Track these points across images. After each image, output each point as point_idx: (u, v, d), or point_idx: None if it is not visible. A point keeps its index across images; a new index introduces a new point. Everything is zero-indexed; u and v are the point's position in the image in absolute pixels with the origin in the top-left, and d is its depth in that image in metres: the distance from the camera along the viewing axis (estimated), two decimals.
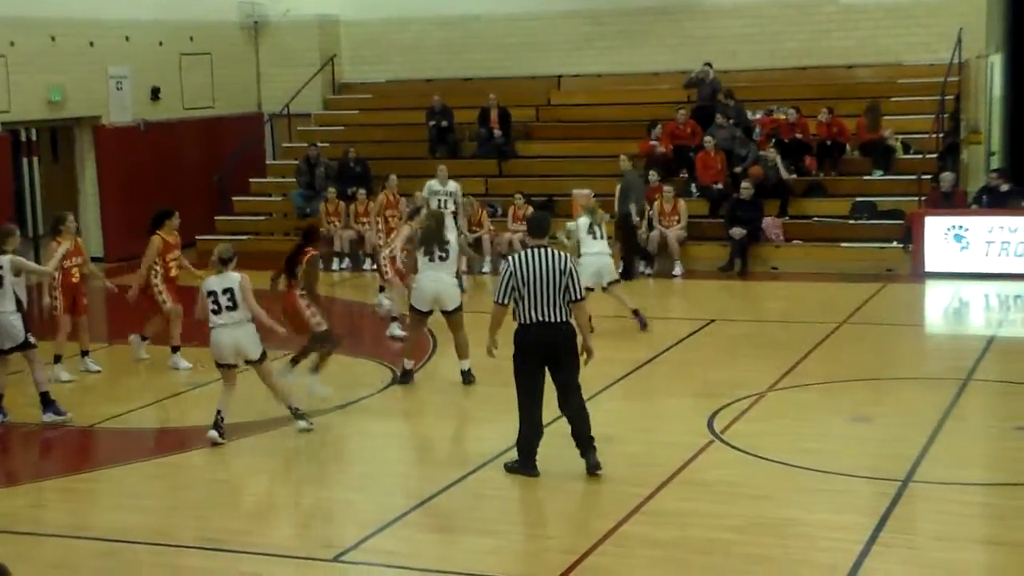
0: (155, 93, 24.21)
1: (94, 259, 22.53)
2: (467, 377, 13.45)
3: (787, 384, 13.24)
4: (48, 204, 22.43)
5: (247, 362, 11.71)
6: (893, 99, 22.46)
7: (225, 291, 11.47)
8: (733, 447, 11.08)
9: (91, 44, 22.86)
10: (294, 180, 24.02)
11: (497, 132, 23.66)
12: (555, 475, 10.31)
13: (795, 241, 20.65)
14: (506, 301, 10.22)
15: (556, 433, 10.55)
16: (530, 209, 21.11)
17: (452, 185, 19.97)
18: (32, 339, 12.55)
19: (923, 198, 20.29)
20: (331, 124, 26.04)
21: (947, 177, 20.09)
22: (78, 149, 23.59)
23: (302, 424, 11.85)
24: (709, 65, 22.92)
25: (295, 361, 13.23)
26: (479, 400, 13.15)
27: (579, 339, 10.26)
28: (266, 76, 26.74)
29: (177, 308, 14.50)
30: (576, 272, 10.23)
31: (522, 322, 10.17)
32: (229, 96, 25.90)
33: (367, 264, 21.22)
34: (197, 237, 22.43)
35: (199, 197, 23.55)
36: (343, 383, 13.52)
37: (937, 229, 19.26)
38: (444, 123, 23.98)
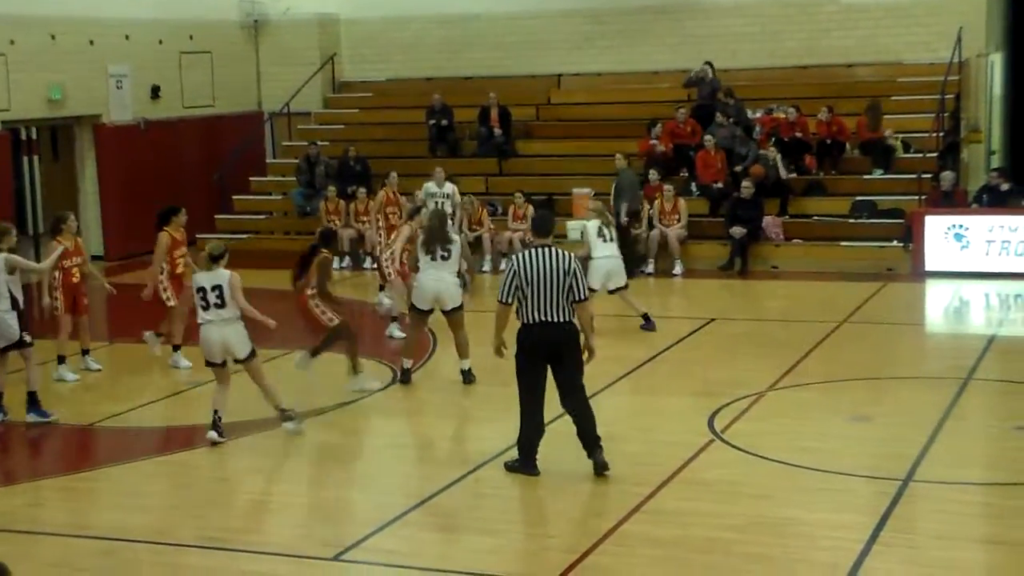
0: (155, 92, 24.21)
1: (94, 258, 22.60)
2: (467, 376, 13.45)
3: (787, 383, 13.24)
4: (48, 203, 22.43)
5: (236, 361, 11.67)
6: (893, 98, 22.46)
7: (214, 288, 11.44)
8: (733, 446, 11.08)
9: (91, 43, 22.86)
10: (294, 179, 24.02)
11: (497, 131, 23.65)
12: (555, 474, 10.31)
13: (795, 240, 20.65)
14: (510, 300, 10.20)
15: (556, 432, 10.55)
16: (530, 208, 21.14)
17: (448, 187, 19.91)
18: (28, 338, 12.54)
19: (923, 197, 20.29)
20: (331, 123, 26.04)
21: (947, 176, 20.09)
22: (78, 148, 23.59)
23: (289, 426, 11.79)
24: (709, 64, 22.92)
25: (315, 353, 13.23)
26: (479, 399, 13.15)
27: (581, 338, 10.26)
28: (266, 75, 26.74)
29: (183, 309, 14.47)
30: (580, 272, 10.21)
31: (525, 321, 10.16)
32: (229, 95, 25.90)
33: (367, 263, 21.22)
34: (197, 236, 22.33)
35: (199, 196, 23.52)
36: (343, 381, 13.51)
37: (937, 228, 19.26)
38: (444, 122, 23.98)
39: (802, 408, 12.44)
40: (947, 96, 21.63)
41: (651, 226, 20.51)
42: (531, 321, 10.13)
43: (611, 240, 15.65)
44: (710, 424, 11.71)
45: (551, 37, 25.33)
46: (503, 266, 20.74)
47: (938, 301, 18.73)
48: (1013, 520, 9.35)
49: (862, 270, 19.59)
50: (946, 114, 21.77)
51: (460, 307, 13.43)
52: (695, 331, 15.97)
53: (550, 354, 10.15)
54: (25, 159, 22.49)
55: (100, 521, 9.98)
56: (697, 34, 24.32)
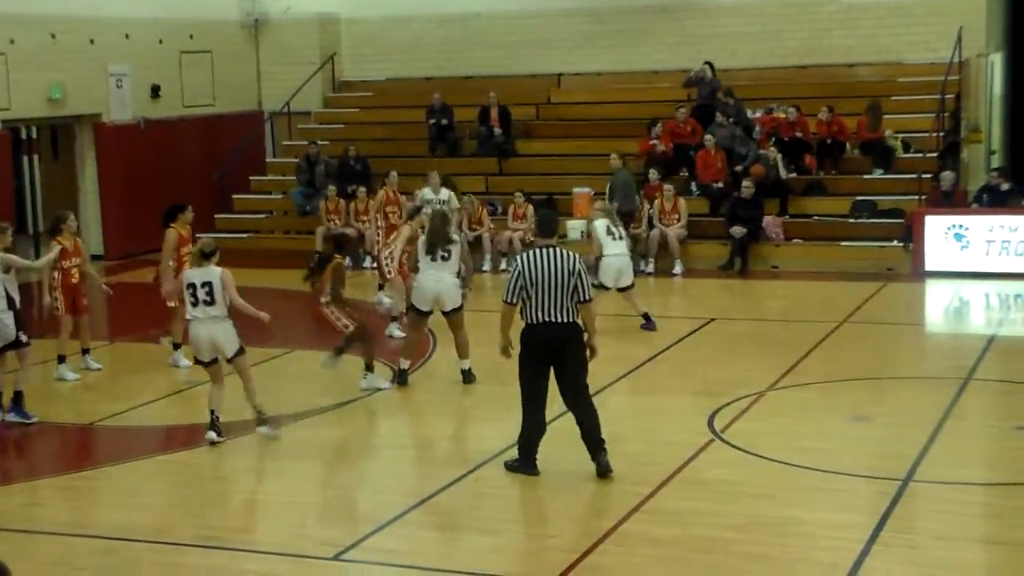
0: (155, 91, 24.20)
1: (94, 257, 22.62)
2: (467, 376, 13.45)
3: (787, 383, 13.23)
4: (48, 202, 22.44)
5: (227, 360, 11.61)
6: (893, 98, 22.45)
7: (204, 284, 11.40)
8: (733, 446, 11.08)
9: (91, 42, 22.85)
10: (294, 178, 24.02)
11: (497, 130, 23.65)
12: (556, 474, 10.30)
13: (795, 240, 20.65)
14: (514, 300, 10.18)
15: (557, 431, 10.55)
16: (530, 208, 21.18)
17: (445, 193, 19.71)
18: (24, 337, 12.52)
19: (923, 197, 20.29)
20: (331, 122, 26.04)
21: (947, 176, 20.09)
22: (78, 147, 23.58)
23: (263, 430, 11.67)
24: (709, 64, 22.91)
25: (338, 353, 13.27)
26: (479, 399, 13.15)
27: (585, 338, 10.25)
28: (266, 74, 26.73)
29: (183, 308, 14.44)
30: (585, 272, 10.20)
31: (529, 322, 10.14)
32: (229, 94, 25.90)
33: (367, 262, 21.22)
34: (197, 235, 22.23)
35: (199, 195, 23.38)
36: (344, 381, 13.52)
37: (937, 228, 19.26)
38: (444, 121, 23.98)
39: (802, 408, 12.44)
40: (947, 96, 21.63)
41: (651, 226, 20.51)
42: (535, 321, 10.11)
43: (620, 238, 15.68)
44: (710, 424, 11.71)
45: (551, 36, 25.32)
46: (503, 265, 20.82)
47: (938, 301, 18.73)
48: (1013, 520, 9.35)
49: (862, 270, 19.59)
50: (946, 114, 21.77)
51: (460, 308, 13.42)
52: (695, 331, 15.97)
53: (553, 354, 10.14)
54: (25, 158, 22.50)
55: (100, 520, 9.98)
56: (697, 34, 24.32)
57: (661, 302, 18.37)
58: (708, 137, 21.51)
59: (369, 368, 13.30)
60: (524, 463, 10.36)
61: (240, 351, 11.57)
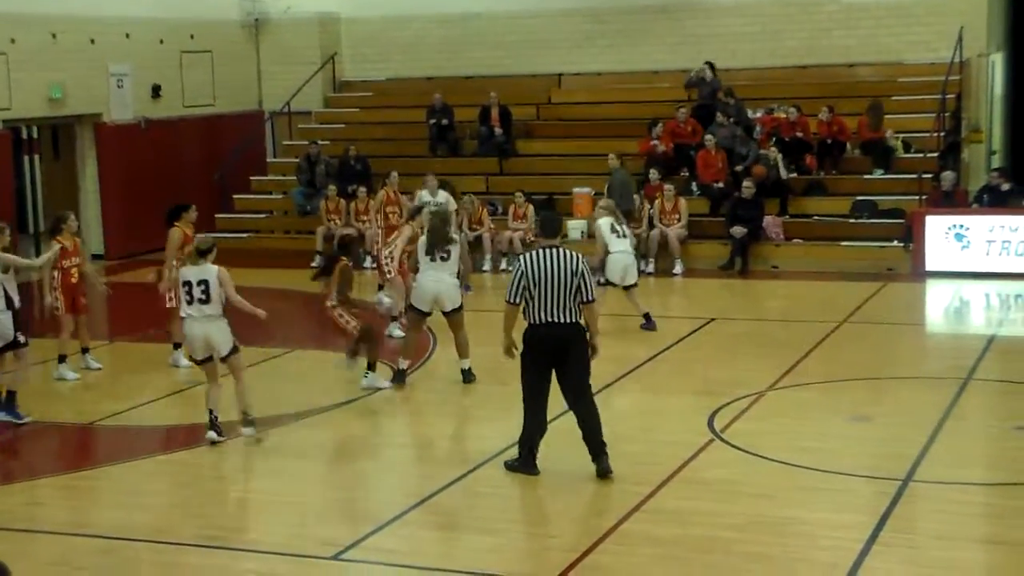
0: (156, 91, 24.20)
1: (95, 257, 22.65)
2: (467, 376, 13.45)
3: (787, 383, 13.23)
4: (49, 202, 22.45)
5: (221, 359, 11.55)
6: (894, 98, 22.45)
7: (200, 282, 11.38)
8: (733, 446, 11.08)
9: (92, 41, 22.85)
10: (295, 178, 24.03)
11: (498, 130, 23.65)
12: (556, 473, 10.30)
13: (795, 240, 20.64)
14: (517, 300, 10.16)
15: (557, 431, 10.54)
16: (531, 208, 21.19)
17: (442, 195, 19.67)
18: (22, 338, 12.51)
19: (924, 197, 20.28)
20: (332, 122, 26.05)
21: (948, 176, 20.09)
22: (79, 147, 23.58)
23: (248, 431, 11.60)
24: (708, 64, 22.89)
25: (352, 355, 13.30)
26: (479, 398, 13.15)
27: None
28: (267, 74, 26.73)
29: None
30: (588, 273, 10.19)
31: (532, 322, 10.14)
32: (230, 94, 25.90)
33: (367, 262, 21.22)
34: (197, 235, 22.34)
35: (200, 195, 23.31)
36: (344, 381, 13.52)
37: (938, 228, 19.25)
38: (445, 121, 23.98)
39: (802, 408, 12.44)
40: (948, 96, 21.62)
41: (651, 225, 20.50)
42: (538, 321, 10.11)
43: (624, 236, 15.69)
44: (710, 424, 11.71)
45: (552, 36, 25.32)
46: (503, 265, 20.83)
47: (938, 301, 18.73)
48: (1013, 520, 9.35)
49: (862, 270, 19.59)
50: (947, 114, 21.77)
51: (460, 308, 13.42)
52: (695, 331, 15.97)
53: (556, 354, 10.13)
54: (26, 158, 22.50)
55: (100, 520, 9.98)
56: (698, 33, 24.32)
57: (661, 302, 18.37)
58: (708, 137, 21.51)
59: (371, 367, 13.31)
60: (524, 463, 10.36)
61: (234, 350, 11.55)
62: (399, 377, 13.46)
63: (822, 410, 12.38)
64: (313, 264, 21.62)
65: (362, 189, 21.76)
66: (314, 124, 25.98)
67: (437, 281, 13.23)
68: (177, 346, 14.66)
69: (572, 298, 10.07)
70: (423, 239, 13.48)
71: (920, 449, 10.78)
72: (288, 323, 17.34)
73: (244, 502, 10.55)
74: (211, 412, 11.55)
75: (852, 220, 20.70)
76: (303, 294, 19.78)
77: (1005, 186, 19.77)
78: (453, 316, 13.40)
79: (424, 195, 19.45)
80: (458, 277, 13.52)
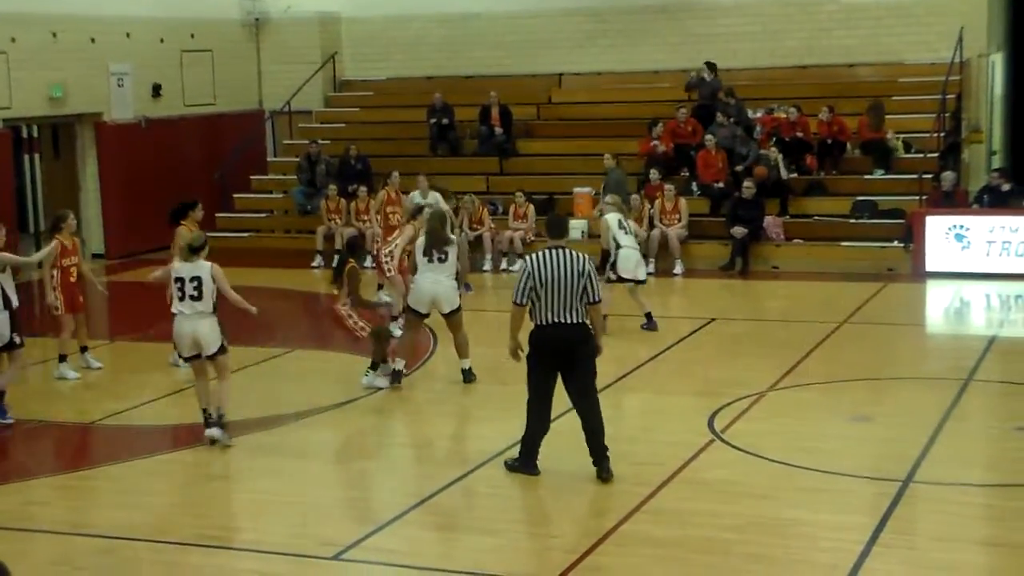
0: (156, 90, 24.19)
1: (95, 256, 22.68)
2: (468, 376, 13.44)
3: (788, 383, 13.23)
4: (49, 201, 22.43)
5: (207, 357, 11.48)
6: (894, 98, 22.44)
7: (193, 279, 11.33)
8: (734, 446, 11.08)
9: (92, 40, 22.85)
10: (295, 177, 24.03)
11: (498, 130, 23.65)
12: (556, 474, 10.30)
13: (796, 240, 20.64)
14: (524, 301, 10.13)
15: (557, 431, 10.53)
16: (531, 208, 21.19)
17: (432, 196, 19.62)
18: (18, 339, 12.50)
19: (924, 197, 20.28)
20: (332, 121, 26.04)
21: (948, 176, 20.08)
22: (79, 146, 23.57)
23: (215, 432, 11.43)
24: (707, 65, 22.86)
25: (375, 367, 13.30)
26: (479, 398, 13.15)
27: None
28: (267, 73, 26.72)
29: None
30: (595, 274, 10.18)
31: (538, 323, 10.12)
32: (230, 93, 25.89)
33: (367, 261, 21.19)
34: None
35: (200, 194, 23.19)
36: (344, 381, 13.52)
37: (938, 229, 19.25)
38: (445, 121, 23.98)
39: (802, 408, 12.43)
40: (948, 96, 21.62)
41: (652, 226, 20.50)
42: (544, 322, 10.09)
43: (630, 233, 15.67)
44: (710, 424, 11.70)
45: (552, 36, 25.32)
46: (504, 265, 20.83)
47: (939, 302, 18.72)
48: (1014, 522, 9.35)
49: (863, 270, 19.58)
50: (947, 114, 21.76)
51: (458, 309, 13.40)
52: (696, 331, 15.96)
53: (563, 355, 10.11)
54: (26, 157, 22.51)
55: (100, 519, 9.98)
56: (698, 33, 24.31)
57: (662, 302, 18.36)
58: (709, 137, 21.51)
59: (373, 367, 13.30)
60: (525, 463, 10.35)
61: (222, 350, 11.51)
62: (396, 378, 13.44)
63: (822, 411, 12.38)
64: (313, 264, 21.71)
65: (362, 189, 21.75)
66: (314, 123, 25.97)
67: (435, 283, 13.20)
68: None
69: (579, 299, 10.06)
70: (420, 240, 13.46)
71: (920, 450, 10.78)
72: (288, 323, 17.35)
73: (244, 502, 10.54)
74: (205, 411, 11.52)
75: (852, 220, 20.69)
76: (303, 294, 19.82)
77: (1005, 186, 19.76)
78: (452, 318, 13.38)
79: (416, 196, 19.40)
80: (456, 279, 13.51)
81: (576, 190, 21.86)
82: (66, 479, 11.09)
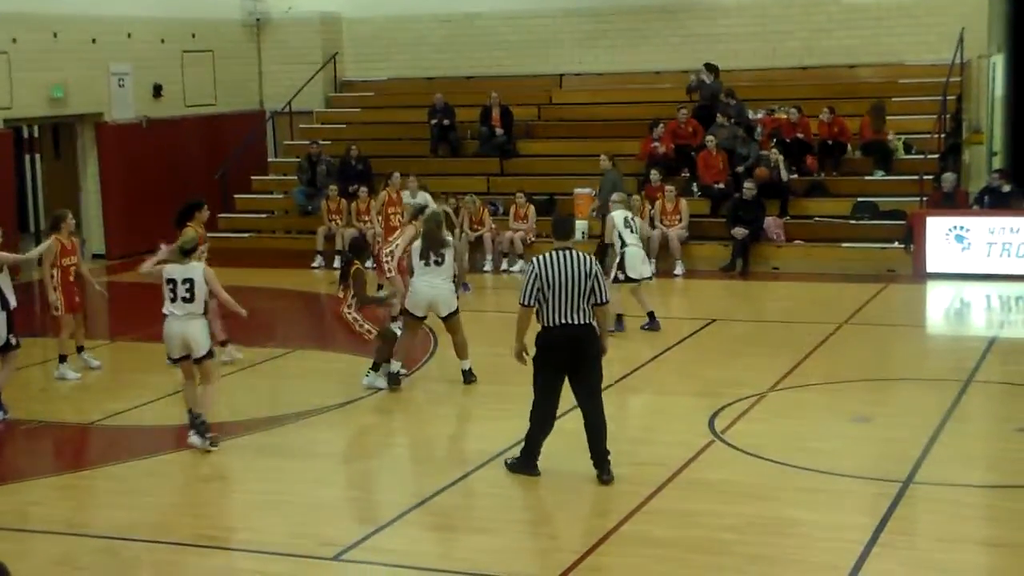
0: (157, 90, 24.20)
1: (96, 256, 22.68)
2: (468, 376, 13.44)
3: (788, 384, 13.23)
4: (50, 201, 22.43)
5: (195, 360, 11.42)
6: (895, 99, 22.43)
7: (185, 281, 11.31)
8: (734, 447, 11.07)
9: (93, 41, 22.85)
10: (296, 178, 24.03)
11: (499, 130, 23.65)
12: (556, 474, 10.30)
13: (796, 241, 20.64)
14: (531, 303, 10.11)
15: (557, 431, 10.51)
16: (532, 208, 21.19)
17: (422, 197, 19.60)
18: (14, 340, 12.48)
19: (924, 198, 20.28)
20: (333, 122, 26.05)
21: (949, 177, 20.08)
22: (80, 146, 23.58)
23: (195, 439, 11.39)
24: (707, 66, 22.84)
25: (376, 367, 13.29)
26: (479, 399, 13.14)
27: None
28: (268, 73, 26.73)
29: None
30: (601, 275, 10.17)
31: (546, 324, 10.10)
32: (231, 93, 25.90)
33: (368, 262, 21.20)
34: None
35: (201, 195, 23.42)
36: (344, 381, 13.51)
37: (938, 229, 19.25)
38: (446, 121, 23.98)
39: (803, 409, 12.43)
40: (949, 97, 21.62)
41: (652, 226, 20.49)
42: (552, 324, 10.07)
43: (636, 231, 15.66)
44: (711, 424, 11.70)
45: (553, 37, 25.33)
46: (504, 266, 20.83)
47: (939, 303, 18.72)
48: (1014, 522, 9.35)
49: (863, 271, 19.58)
50: (948, 115, 21.77)
51: (456, 312, 13.38)
52: (696, 332, 15.96)
53: (570, 357, 10.10)
54: (27, 157, 22.53)
55: (100, 519, 9.98)
56: (698, 34, 24.31)
57: (662, 303, 18.33)
58: (709, 138, 21.50)
59: (375, 367, 13.29)
60: (525, 463, 10.35)
61: (209, 354, 11.45)
62: (393, 379, 13.41)
63: (823, 411, 12.37)
64: (314, 264, 21.72)
65: (363, 189, 21.76)
66: (315, 124, 25.97)
67: (432, 287, 13.16)
68: None
69: (586, 300, 10.04)
70: (417, 243, 13.41)
71: (921, 451, 10.77)
72: (289, 323, 17.35)
73: (244, 502, 10.53)
74: (190, 411, 11.48)
75: (853, 221, 20.69)
76: (304, 294, 19.82)
77: (1006, 187, 19.76)
78: (450, 320, 13.36)
79: (405, 196, 19.37)
80: (453, 281, 13.50)
81: (577, 191, 21.86)
82: (66, 479, 11.09)
